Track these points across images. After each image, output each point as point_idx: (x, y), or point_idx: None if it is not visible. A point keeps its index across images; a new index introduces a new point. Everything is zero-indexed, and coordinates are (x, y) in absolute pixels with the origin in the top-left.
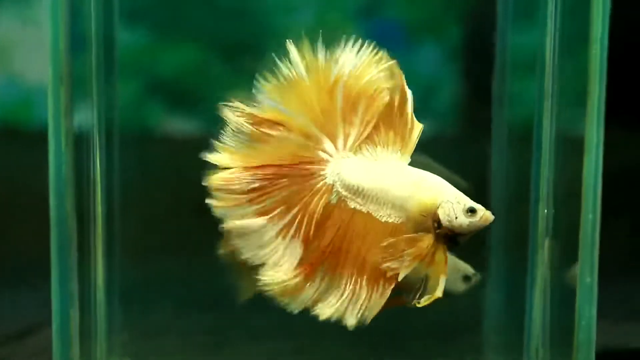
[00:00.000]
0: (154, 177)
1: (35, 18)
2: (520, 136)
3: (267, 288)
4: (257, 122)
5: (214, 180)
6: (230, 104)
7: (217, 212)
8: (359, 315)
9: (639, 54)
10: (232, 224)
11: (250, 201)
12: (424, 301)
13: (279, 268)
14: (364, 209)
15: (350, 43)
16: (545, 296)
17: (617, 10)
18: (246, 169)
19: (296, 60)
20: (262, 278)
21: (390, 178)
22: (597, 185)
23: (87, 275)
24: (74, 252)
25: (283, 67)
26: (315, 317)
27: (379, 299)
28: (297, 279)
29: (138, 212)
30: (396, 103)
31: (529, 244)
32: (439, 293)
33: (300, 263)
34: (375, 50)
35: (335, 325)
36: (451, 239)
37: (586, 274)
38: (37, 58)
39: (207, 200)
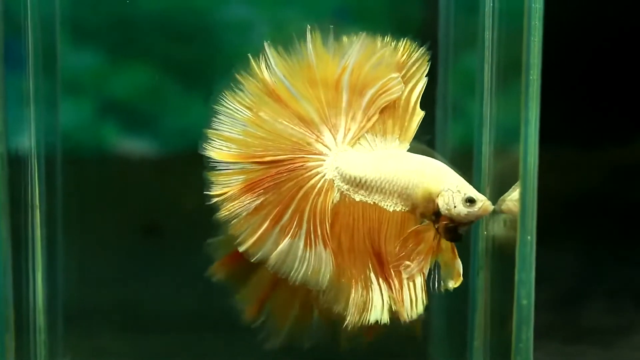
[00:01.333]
0: (100, 198)
1: None
2: (462, 155)
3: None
4: (266, 92)
5: (222, 214)
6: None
7: (238, 239)
8: (411, 307)
9: (590, 75)
10: (265, 251)
11: (265, 217)
12: (453, 284)
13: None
14: (369, 200)
15: (356, 37)
16: (486, 320)
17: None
18: (242, 190)
19: (310, 47)
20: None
21: (393, 166)
22: (534, 207)
23: (26, 299)
24: (9, 278)
25: (298, 49)
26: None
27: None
28: (357, 290)
29: (82, 234)
30: (406, 90)
31: (469, 267)
32: (460, 276)
33: (337, 269)
34: (383, 43)
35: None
36: (452, 229)
37: (523, 297)
38: None
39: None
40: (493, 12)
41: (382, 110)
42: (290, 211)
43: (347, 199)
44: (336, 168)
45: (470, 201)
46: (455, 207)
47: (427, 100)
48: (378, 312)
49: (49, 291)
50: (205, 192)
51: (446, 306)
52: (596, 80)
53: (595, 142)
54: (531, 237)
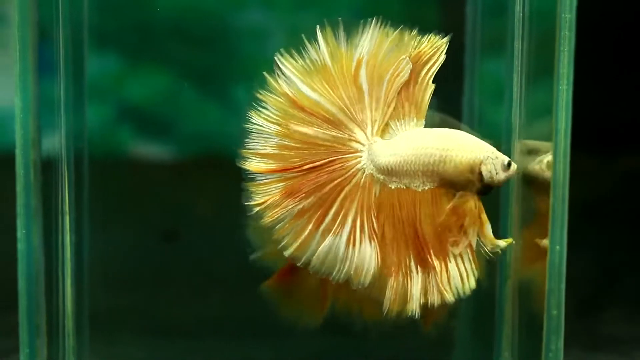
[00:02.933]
0: (123, 203)
1: (5, 39)
2: None
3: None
4: (290, 105)
5: (265, 222)
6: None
7: (283, 243)
8: (454, 289)
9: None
10: (309, 253)
11: (308, 220)
12: (503, 245)
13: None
14: (401, 185)
15: (367, 27)
16: (514, 328)
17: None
18: (283, 196)
19: (323, 47)
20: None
21: (412, 146)
22: (564, 217)
23: (56, 304)
24: (41, 284)
25: (311, 51)
26: None
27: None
28: (397, 280)
29: (107, 239)
30: (422, 71)
31: (497, 277)
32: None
33: (384, 263)
34: (392, 29)
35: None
36: (483, 191)
37: (553, 307)
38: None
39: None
40: (522, 17)
41: (400, 94)
42: (332, 212)
43: (385, 189)
44: (371, 161)
45: (508, 165)
46: (497, 173)
47: (453, 108)
48: (417, 300)
49: (77, 297)
50: (242, 200)
51: (473, 315)
52: (610, 86)
53: (610, 148)
54: (560, 247)
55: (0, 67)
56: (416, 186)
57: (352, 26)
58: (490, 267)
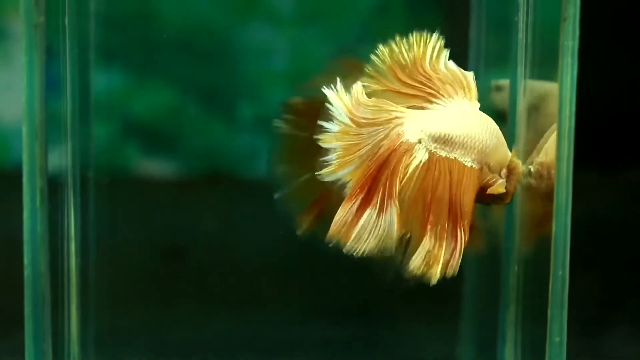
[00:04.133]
0: (128, 222)
1: (11, 58)
2: None
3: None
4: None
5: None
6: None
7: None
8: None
9: (608, 103)
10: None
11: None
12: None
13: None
14: (451, 156)
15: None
16: (516, 352)
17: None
18: (347, 200)
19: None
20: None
21: (475, 124)
22: (566, 243)
23: (61, 329)
24: (47, 310)
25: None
26: None
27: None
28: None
29: (113, 259)
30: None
31: (500, 299)
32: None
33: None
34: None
35: None
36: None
37: (555, 334)
38: (13, 98)
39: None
40: (526, 29)
41: (430, 80)
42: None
43: (435, 157)
44: (421, 130)
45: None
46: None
47: None
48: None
49: (82, 320)
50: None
51: (477, 337)
52: (615, 103)
53: (615, 165)
54: (563, 272)
55: (3, 83)
56: (466, 161)
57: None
58: (494, 292)
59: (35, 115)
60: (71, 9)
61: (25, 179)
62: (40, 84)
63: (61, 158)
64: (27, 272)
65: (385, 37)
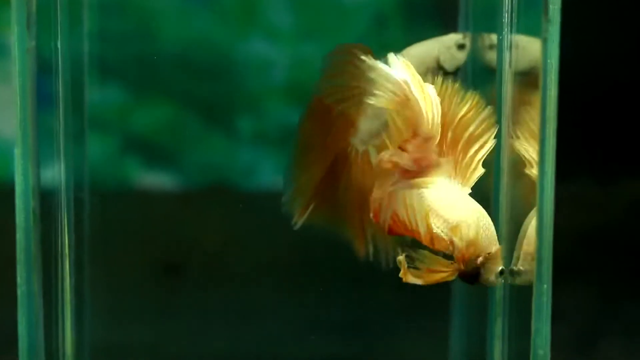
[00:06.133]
0: (125, 238)
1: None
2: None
3: None
4: None
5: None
6: None
7: None
8: None
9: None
10: None
11: None
12: None
13: None
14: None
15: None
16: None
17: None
18: None
19: None
20: None
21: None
22: (549, 258)
23: (56, 348)
24: (41, 329)
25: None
26: None
27: None
28: None
29: (109, 276)
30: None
31: (488, 314)
32: None
33: None
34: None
35: None
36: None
37: (539, 346)
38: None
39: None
40: (510, 50)
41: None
42: None
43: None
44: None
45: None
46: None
47: None
48: None
49: (77, 337)
50: None
51: (465, 353)
52: (613, 113)
53: (610, 177)
54: (547, 286)
55: (3, 100)
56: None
57: None
58: (481, 305)
59: (28, 137)
60: (64, 30)
61: (18, 200)
62: (32, 106)
63: (55, 178)
64: (20, 292)
65: (382, 51)
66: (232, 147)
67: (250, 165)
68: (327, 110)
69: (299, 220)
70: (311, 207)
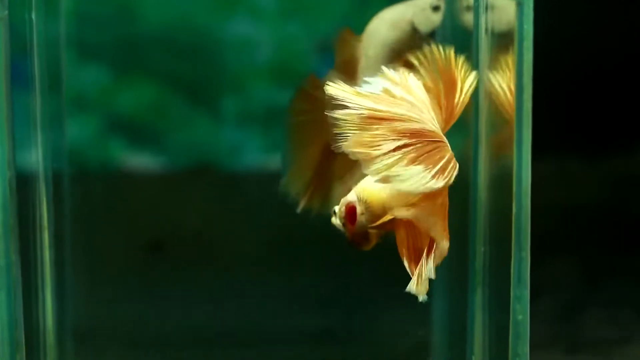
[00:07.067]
0: (108, 216)
1: None
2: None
3: None
4: None
5: None
6: None
7: None
8: None
9: (590, 87)
10: None
11: None
12: None
13: None
14: None
15: None
16: (484, 334)
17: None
18: None
19: None
20: None
21: None
22: (527, 224)
23: (36, 319)
24: (19, 300)
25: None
26: None
27: None
28: None
29: (92, 252)
30: None
31: (468, 284)
32: None
33: None
34: None
35: None
36: None
37: (518, 312)
38: None
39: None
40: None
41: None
42: None
43: None
44: None
45: None
46: None
47: None
48: None
49: (58, 310)
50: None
51: (446, 323)
52: (598, 89)
53: (595, 153)
54: (525, 254)
55: None
56: None
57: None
58: (462, 274)
59: (2, 108)
60: (38, 3)
61: None
62: (6, 77)
63: (32, 153)
64: None
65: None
66: (216, 127)
67: (235, 146)
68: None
69: (301, 205)
70: (310, 190)
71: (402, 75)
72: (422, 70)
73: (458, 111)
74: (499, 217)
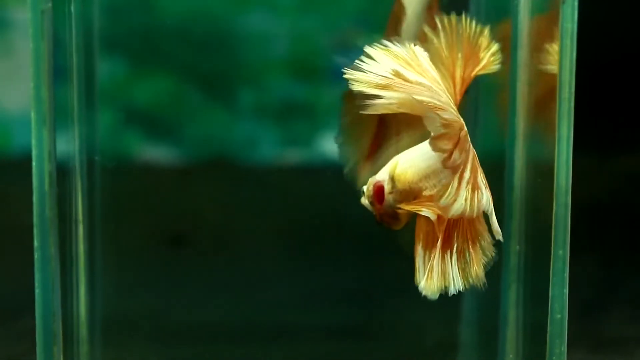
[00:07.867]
0: (133, 208)
1: (12, 45)
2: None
3: None
4: None
5: None
6: None
7: None
8: None
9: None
10: None
11: None
12: None
13: None
14: None
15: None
16: (518, 332)
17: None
18: None
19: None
20: None
21: None
22: (567, 221)
23: (70, 312)
24: (57, 293)
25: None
26: None
27: None
28: None
29: (118, 245)
30: None
31: (501, 281)
32: None
33: None
34: None
35: None
36: None
37: (556, 311)
38: (15, 86)
39: None
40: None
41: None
42: None
43: None
44: None
45: None
46: None
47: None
48: None
49: (90, 303)
50: None
51: (477, 320)
52: (610, 86)
53: (613, 149)
54: (563, 252)
55: (5, 72)
56: None
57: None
58: (495, 271)
59: (44, 101)
60: None
61: (34, 164)
62: (48, 70)
63: (69, 146)
64: (37, 255)
65: (384, 24)
66: (232, 120)
67: (251, 138)
68: None
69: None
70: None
71: (410, 52)
72: (441, 38)
73: (469, 81)
74: (535, 216)
